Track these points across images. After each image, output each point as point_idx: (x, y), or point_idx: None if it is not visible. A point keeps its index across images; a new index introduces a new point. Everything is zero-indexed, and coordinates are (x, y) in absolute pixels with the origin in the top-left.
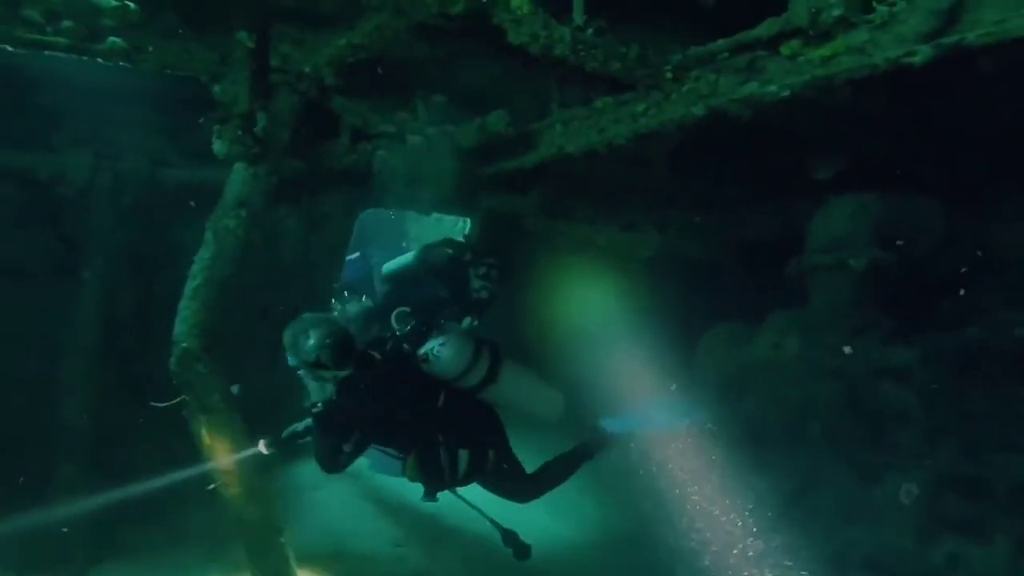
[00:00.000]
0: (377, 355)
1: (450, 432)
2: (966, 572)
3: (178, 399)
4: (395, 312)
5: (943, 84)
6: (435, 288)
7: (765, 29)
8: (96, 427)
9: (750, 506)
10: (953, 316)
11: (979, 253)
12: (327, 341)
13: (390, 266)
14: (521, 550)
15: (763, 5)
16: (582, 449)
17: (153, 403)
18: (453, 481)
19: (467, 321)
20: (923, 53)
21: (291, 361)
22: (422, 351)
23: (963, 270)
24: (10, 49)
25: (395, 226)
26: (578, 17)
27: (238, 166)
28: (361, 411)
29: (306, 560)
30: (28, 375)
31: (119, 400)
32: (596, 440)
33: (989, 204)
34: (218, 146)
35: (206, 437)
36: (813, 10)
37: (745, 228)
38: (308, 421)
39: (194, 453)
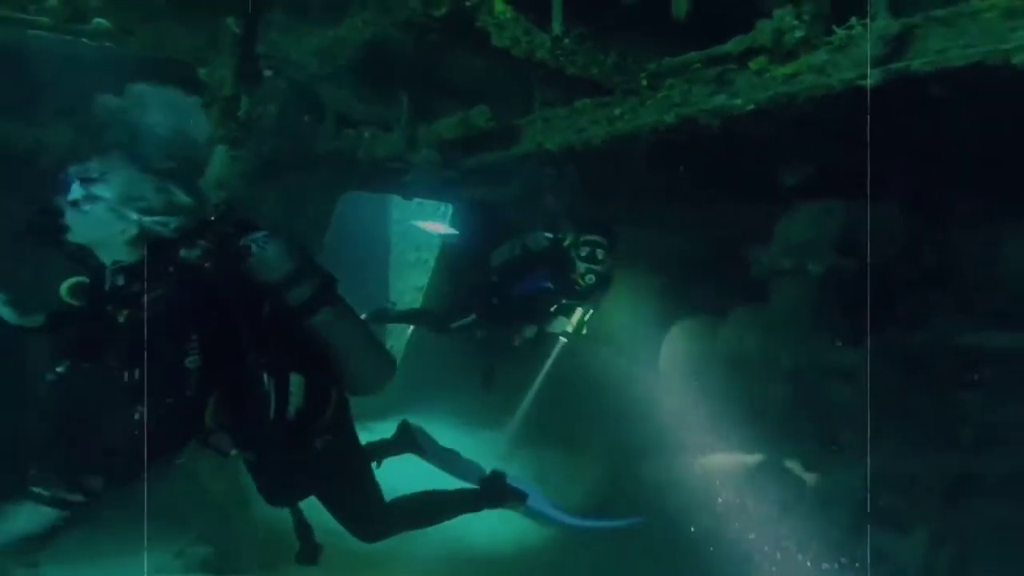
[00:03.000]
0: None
1: (277, 353)
2: (890, 563)
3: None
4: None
5: (900, 104)
6: (540, 279)
7: (734, 46)
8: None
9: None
10: (907, 321)
11: (937, 261)
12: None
13: (496, 258)
14: (309, 549)
15: (736, 21)
16: (474, 495)
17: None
18: (281, 425)
19: (580, 312)
20: (874, 76)
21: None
22: (244, 241)
23: (919, 277)
24: None
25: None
26: (556, 27)
27: (219, 148)
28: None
29: (277, 533)
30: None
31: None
32: (495, 492)
33: (951, 214)
34: None
35: None
36: (777, 30)
37: (719, 226)
38: None
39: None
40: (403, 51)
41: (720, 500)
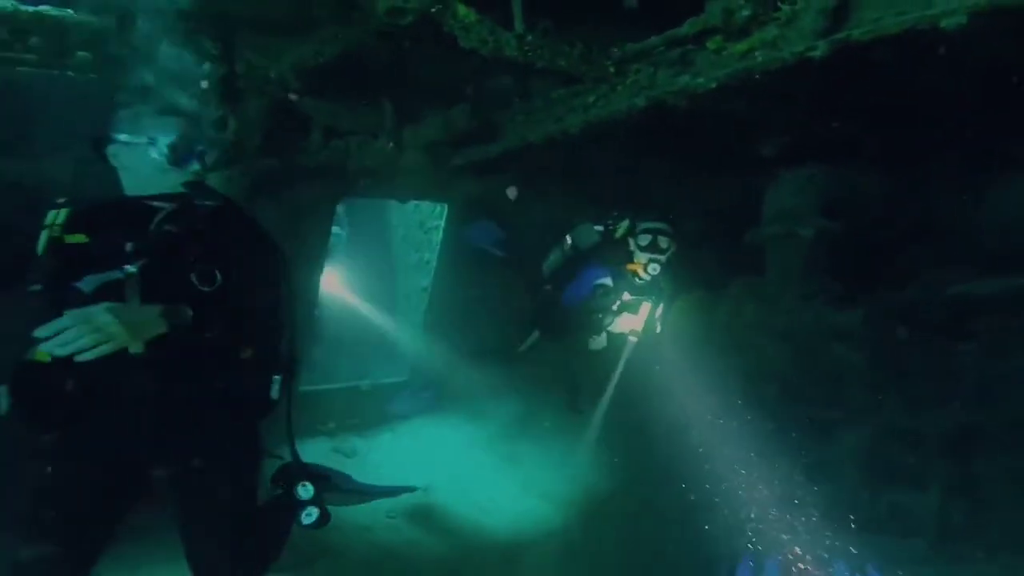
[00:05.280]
0: None
1: None
2: (905, 518)
3: None
4: None
5: (859, 71)
6: (595, 276)
7: (689, 27)
8: None
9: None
10: (894, 279)
11: (918, 220)
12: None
13: (547, 267)
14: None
15: (686, 6)
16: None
17: None
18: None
19: (649, 306)
20: (821, 48)
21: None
22: None
23: (903, 236)
24: None
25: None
26: (518, 25)
27: None
28: None
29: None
30: None
31: None
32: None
33: (928, 175)
34: None
35: None
36: (726, 10)
37: (713, 202)
38: None
39: None
40: (379, 60)
41: (732, 471)
